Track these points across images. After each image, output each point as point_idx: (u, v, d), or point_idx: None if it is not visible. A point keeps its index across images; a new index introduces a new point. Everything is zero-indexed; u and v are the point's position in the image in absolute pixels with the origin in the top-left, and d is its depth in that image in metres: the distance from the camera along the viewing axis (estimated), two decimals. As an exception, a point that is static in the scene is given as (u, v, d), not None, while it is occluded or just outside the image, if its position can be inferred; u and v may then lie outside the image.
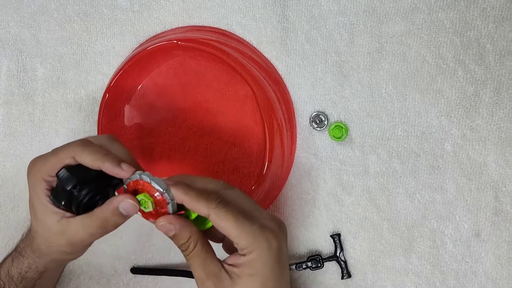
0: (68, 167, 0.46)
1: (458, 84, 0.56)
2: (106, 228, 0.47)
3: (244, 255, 0.43)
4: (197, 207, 0.43)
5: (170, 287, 0.63)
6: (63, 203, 0.47)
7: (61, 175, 0.46)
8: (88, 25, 0.62)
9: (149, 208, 0.45)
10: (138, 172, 0.45)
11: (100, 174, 0.46)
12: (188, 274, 0.61)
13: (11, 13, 0.64)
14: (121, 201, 0.45)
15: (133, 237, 0.64)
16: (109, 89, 0.57)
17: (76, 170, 0.46)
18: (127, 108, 0.60)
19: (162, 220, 0.44)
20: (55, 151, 0.47)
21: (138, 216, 0.57)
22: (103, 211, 0.46)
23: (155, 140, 0.60)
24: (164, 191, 0.44)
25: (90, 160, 0.45)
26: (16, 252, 0.54)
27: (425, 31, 0.56)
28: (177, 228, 0.44)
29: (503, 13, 0.54)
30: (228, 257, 0.45)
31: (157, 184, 0.44)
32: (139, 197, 0.45)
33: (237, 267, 0.43)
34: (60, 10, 0.63)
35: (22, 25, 0.64)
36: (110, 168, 0.45)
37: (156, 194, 0.44)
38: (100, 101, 0.57)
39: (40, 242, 0.50)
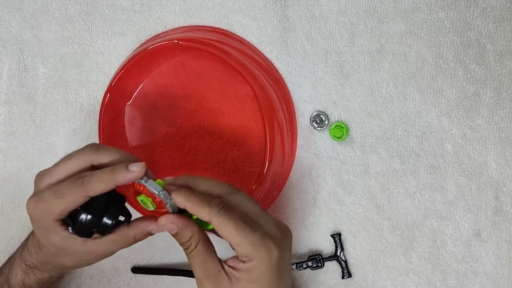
0: (83, 207, 0.45)
1: (458, 84, 0.56)
2: (138, 240, 0.48)
3: (243, 262, 0.43)
4: (199, 212, 0.43)
5: (171, 287, 0.63)
6: (90, 236, 0.47)
7: (80, 217, 0.45)
8: (89, 24, 0.63)
9: (151, 207, 0.45)
10: None
11: (112, 194, 0.46)
12: (188, 273, 0.61)
13: (13, 13, 0.64)
14: (154, 228, 0.46)
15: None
16: (110, 89, 0.57)
17: (91, 206, 0.45)
18: (128, 108, 0.60)
19: (163, 220, 0.44)
20: (60, 193, 0.44)
21: (138, 215, 0.57)
22: (134, 230, 0.47)
23: (155, 140, 0.60)
24: (159, 193, 0.43)
25: (104, 188, 0.44)
26: (27, 267, 0.52)
27: (425, 31, 0.56)
28: (179, 227, 0.44)
29: (503, 13, 0.54)
30: (229, 258, 0.45)
31: (151, 187, 0.43)
32: (140, 198, 0.45)
33: (236, 271, 0.43)
34: (61, 10, 0.63)
35: (24, 24, 0.64)
36: (123, 179, 0.44)
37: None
38: (101, 100, 0.57)
39: (65, 261, 0.50)
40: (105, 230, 0.47)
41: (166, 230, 0.45)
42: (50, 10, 0.63)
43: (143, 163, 0.44)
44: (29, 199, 0.46)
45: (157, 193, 0.43)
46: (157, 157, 0.60)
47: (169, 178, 0.46)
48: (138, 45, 0.62)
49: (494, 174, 0.56)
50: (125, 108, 0.60)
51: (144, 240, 0.63)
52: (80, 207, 0.45)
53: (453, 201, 0.57)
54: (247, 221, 0.42)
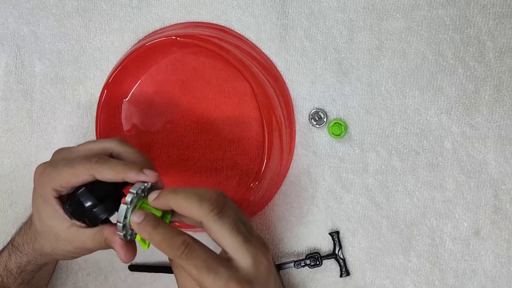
0: (87, 186, 0.46)
1: (458, 82, 0.55)
2: (108, 246, 0.47)
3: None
4: (163, 251, 0.43)
5: (168, 284, 0.63)
6: (80, 219, 0.47)
7: (82, 196, 0.46)
8: (86, 21, 0.62)
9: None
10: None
11: (114, 186, 0.46)
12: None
13: (10, 9, 0.64)
14: (119, 248, 0.46)
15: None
16: (107, 85, 0.56)
17: (95, 188, 0.46)
18: (125, 105, 0.60)
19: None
20: (71, 164, 0.46)
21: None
22: (106, 231, 0.46)
23: (153, 136, 0.60)
24: (121, 220, 0.44)
25: (113, 176, 0.45)
26: (13, 247, 0.53)
27: (425, 28, 0.56)
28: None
29: (504, 10, 0.54)
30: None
31: (122, 211, 0.44)
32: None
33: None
34: (58, 6, 0.63)
35: (21, 20, 0.64)
36: (133, 176, 0.44)
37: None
38: (98, 97, 0.57)
39: (44, 244, 0.50)
40: (94, 220, 0.46)
41: (120, 257, 0.47)
42: (47, 6, 0.63)
43: (157, 173, 0.45)
44: (40, 164, 0.48)
45: (121, 220, 0.44)
46: (154, 154, 0.60)
47: (151, 196, 0.45)
48: (136, 42, 0.61)
49: (493, 172, 0.55)
50: (123, 104, 0.60)
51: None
52: (84, 187, 0.45)
53: (452, 200, 0.56)
54: (210, 267, 0.41)
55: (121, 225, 0.44)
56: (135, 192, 0.44)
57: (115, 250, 0.47)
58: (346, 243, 0.59)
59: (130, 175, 0.44)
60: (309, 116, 0.58)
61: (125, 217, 0.44)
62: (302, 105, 0.59)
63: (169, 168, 0.59)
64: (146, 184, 0.45)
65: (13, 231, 0.64)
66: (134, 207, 0.44)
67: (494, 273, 0.56)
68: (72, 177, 0.45)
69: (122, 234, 0.45)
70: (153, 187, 0.46)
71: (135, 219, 0.43)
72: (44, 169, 0.47)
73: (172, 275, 0.61)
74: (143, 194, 0.45)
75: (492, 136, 0.55)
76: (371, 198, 0.58)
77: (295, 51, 0.58)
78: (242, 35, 0.59)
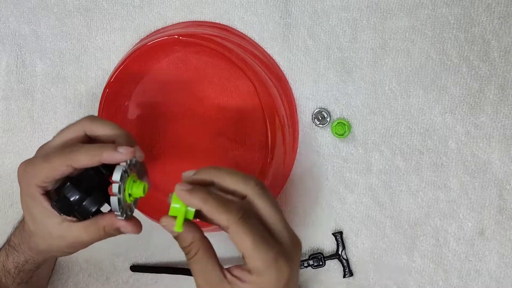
0: (72, 180, 0.45)
1: (462, 81, 0.55)
2: (108, 233, 0.47)
3: (251, 274, 0.41)
4: (216, 217, 0.40)
5: (170, 285, 0.63)
6: (70, 214, 0.46)
7: (68, 191, 0.45)
8: (88, 20, 0.62)
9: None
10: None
11: (101, 176, 0.46)
12: (187, 272, 0.60)
13: (11, 8, 0.63)
14: (120, 223, 0.46)
15: (133, 234, 0.63)
16: (109, 85, 0.56)
17: (81, 181, 0.45)
18: (127, 104, 0.59)
19: (165, 221, 0.43)
20: (47, 158, 0.45)
21: (137, 213, 0.57)
22: (105, 220, 0.46)
23: (155, 136, 0.60)
24: (115, 194, 0.43)
25: (89, 161, 0.44)
26: (9, 247, 0.53)
27: (429, 27, 0.55)
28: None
29: (508, 9, 0.54)
30: (233, 267, 0.43)
31: (115, 186, 0.43)
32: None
33: (242, 283, 0.41)
34: (60, 5, 0.62)
35: (22, 20, 0.63)
36: (108, 157, 0.44)
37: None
38: (100, 97, 0.57)
39: (39, 242, 0.49)
40: (84, 213, 0.46)
41: (131, 232, 0.46)
42: (49, 5, 0.62)
43: (132, 149, 0.44)
44: (21, 163, 0.47)
45: (116, 209, 0.43)
46: (156, 154, 0.60)
47: (188, 173, 0.44)
48: (138, 41, 0.61)
49: (498, 172, 0.55)
50: (125, 104, 0.59)
51: (143, 238, 0.63)
52: (69, 181, 0.45)
53: (457, 199, 0.56)
54: (264, 237, 0.40)
55: (118, 205, 0.43)
56: (120, 170, 0.43)
57: (118, 233, 0.47)
58: (349, 243, 0.58)
59: (106, 156, 0.43)
60: (312, 115, 0.58)
61: (120, 204, 0.43)
62: (305, 105, 0.58)
63: (170, 168, 0.59)
64: (129, 160, 0.44)
65: (14, 231, 0.64)
66: (125, 187, 0.44)
67: (499, 273, 0.56)
68: (50, 171, 0.44)
69: (119, 213, 0.44)
70: (133, 164, 0.45)
71: (183, 187, 0.41)
72: (25, 167, 0.46)
73: (174, 275, 0.62)
74: (130, 170, 0.44)
75: (497, 135, 0.55)
76: (375, 198, 0.58)
77: (298, 50, 0.58)
78: (244, 34, 0.59)
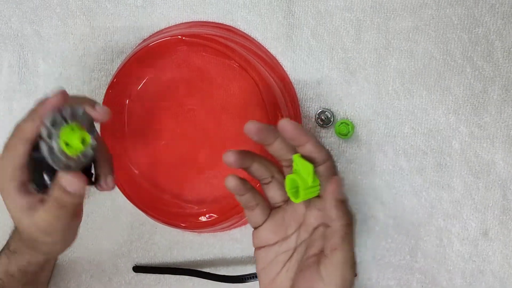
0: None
1: (466, 81, 0.55)
2: (67, 209, 0.44)
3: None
4: (319, 151, 0.41)
5: (173, 286, 0.63)
6: (45, 187, 0.45)
7: (35, 155, 0.44)
8: (90, 20, 0.62)
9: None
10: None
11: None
12: (190, 272, 0.60)
13: (13, 8, 0.63)
14: (61, 178, 0.43)
15: (135, 235, 0.63)
16: (111, 85, 0.56)
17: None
18: (129, 105, 0.59)
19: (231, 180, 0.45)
20: (19, 129, 0.45)
21: (140, 214, 0.57)
22: (54, 191, 0.44)
23: (157, 136, 0.59)
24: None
25: (33, 123, 0.43)
26: (9, 251, 0.53)
27: (433, 27, 0.55)
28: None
29: (512, 9, 0.54)
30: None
31: (47, 120, 0.41)
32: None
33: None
34: (62, 5, 0.62)
35: (24, 20, 0.63)
36: (44, 111, 0.42)
37: None
38: (102, 97, 0.57)
39: (27, 238, 0.48)
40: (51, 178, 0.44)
41: (76, 185, 0.43)
42: (51, 5, 0.62)
43: (65, 91, 0.44)
44: None
45: (43, 134, 0.41)
46: (158, 154, 0.59)
47: (285, 122, 0.42)
48: (141, 41, 0.61)
49: (501, 172, 0.55)
50: (127, 104, 0.59)
51: (146, 238, 0.63)
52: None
53: (460, 200, 0.56)
54: (345, 202, 0.42)
55: (49, 153, 0.41)
56: (51, 114, 0.41)
57: (72, 198, 0.44)
58: (353, 244, 0.58)
59: (40, 112, 0.43)
60: (315, 116, 0.58)
61: (52, 153, 0.41)
62: (309, 105, 0.58)
63: (173, 167, 0.59)
64: (70, 109, 0.43)
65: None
66: (59, 135, 0.42)
67: (502, 274, 0.56)
68: (28, 129, 0.44)
69: (55, 164, 0.42)
70: (75, 113, 0.43)
71: (288, 126, 0.41)
72: (2, 155, 0.45)
73: (177, 276, 0.61)
74: (72, 120, 0.43)
75: (501, 136, 0.55)
76: (378, 198, 0.58)
77: (302, 50, 0.58)
78: (248, 35, 0.59)
